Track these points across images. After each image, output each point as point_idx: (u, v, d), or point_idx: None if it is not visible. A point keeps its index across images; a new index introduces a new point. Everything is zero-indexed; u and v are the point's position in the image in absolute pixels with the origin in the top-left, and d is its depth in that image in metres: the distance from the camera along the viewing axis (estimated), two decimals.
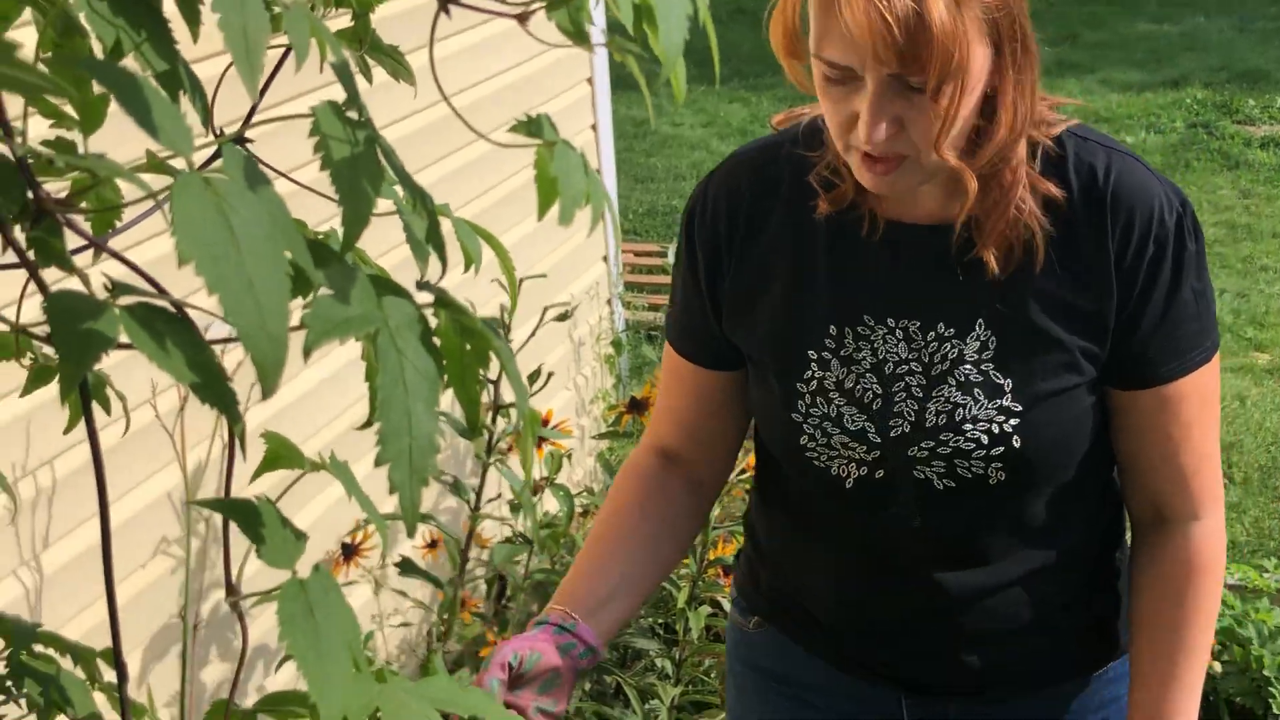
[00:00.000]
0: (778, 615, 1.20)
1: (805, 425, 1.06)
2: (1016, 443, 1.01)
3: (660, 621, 2.22)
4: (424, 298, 0.52)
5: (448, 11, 0.46)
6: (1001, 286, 1.01)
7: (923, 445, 1.04)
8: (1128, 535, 1.13)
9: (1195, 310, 1.01)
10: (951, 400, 1.02)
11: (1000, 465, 1.02)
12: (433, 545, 2.19)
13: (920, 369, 1.04)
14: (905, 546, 1.09)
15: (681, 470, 1.17)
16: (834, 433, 1.05)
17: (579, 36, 0.46)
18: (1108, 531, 1.15)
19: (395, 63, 0.60)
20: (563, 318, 2.19)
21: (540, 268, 2.28)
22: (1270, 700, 2.03)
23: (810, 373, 1.05)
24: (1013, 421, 1.02)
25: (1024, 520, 1.08)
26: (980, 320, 1.02)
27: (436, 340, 0.49)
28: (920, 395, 1.04)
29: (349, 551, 2.00)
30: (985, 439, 1.02)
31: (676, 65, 0.45)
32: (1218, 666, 2.09)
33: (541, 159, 0.49)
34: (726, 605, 1.93)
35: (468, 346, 0.52)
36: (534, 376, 2.17)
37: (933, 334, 1.03)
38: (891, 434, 1.04)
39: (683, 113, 7.55)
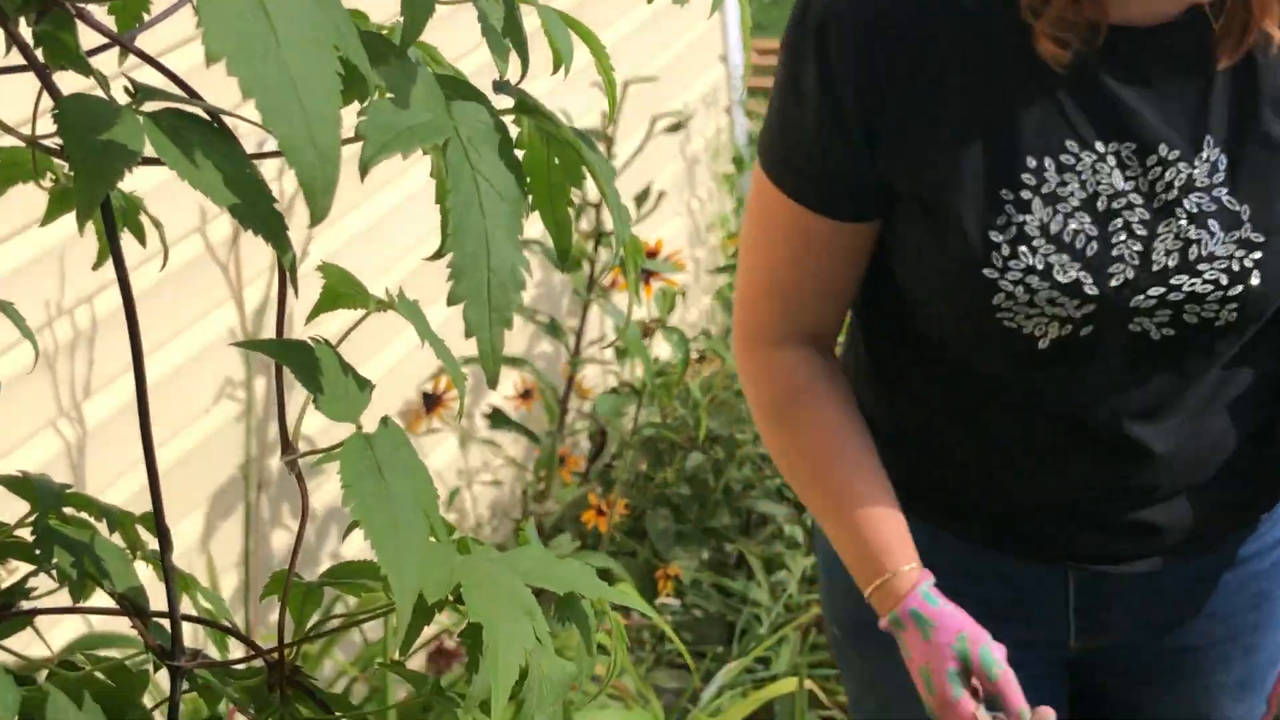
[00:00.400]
0: (914, 502, 1.21)
1: (1002, 282, 1.03)
2: (1255, 279, 1.03)
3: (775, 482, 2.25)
4: (504, 102, 0.50)
5: None
6: (1229, 94, 1.01)
7: (1150, 293, 1.04)
8: None
9: None
10: (1183, 236, 1.03)
11: (1235, 307, 1.04)
12: (526, 395, 2.24)
13: (1142, 201, 1.03)
14: (1098, 409, 1.10)
15: (828, 344, 1.17)
16: (1040, 288, 1.03)
17: None
18: None
19: None
20: (675, 128, 2.15)
21: (648, 70, 2.23)
22: None
23: (1006, 218, 1.03)
24: (1255, 255, 1.03)
25: (1234, 358, 1.10)
26: (1209, 138, 1.02)
27: (519, 153, 0.47)
28: (1144, 234, 1.04)
29: (431, 401, 2.06)
30: (1225, 278, 1.03)
31: None
32: None
33: None
34: None
35: (556, 161, 0.50)
36: (641, 198, 2.15)
37: (1154, 157, 1.03)
38: (1112, 283, 1.03)
39: None
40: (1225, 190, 1.04)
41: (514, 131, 0.49)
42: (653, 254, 2.19)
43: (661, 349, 2.38)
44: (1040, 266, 1.03)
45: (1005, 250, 1.03)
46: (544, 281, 2.35)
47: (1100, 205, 1.03)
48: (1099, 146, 1.03)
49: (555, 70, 0.59)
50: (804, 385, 1.16)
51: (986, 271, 1.04)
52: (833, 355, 1.19)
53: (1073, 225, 1.03)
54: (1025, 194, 1.03)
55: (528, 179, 0.46)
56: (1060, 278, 1.04)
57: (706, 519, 2.18)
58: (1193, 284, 1.04)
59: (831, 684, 2.02)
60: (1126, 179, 1.04)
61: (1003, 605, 1.19)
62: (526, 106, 0.49)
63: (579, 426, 2.35)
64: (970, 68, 1.03)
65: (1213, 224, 1.04)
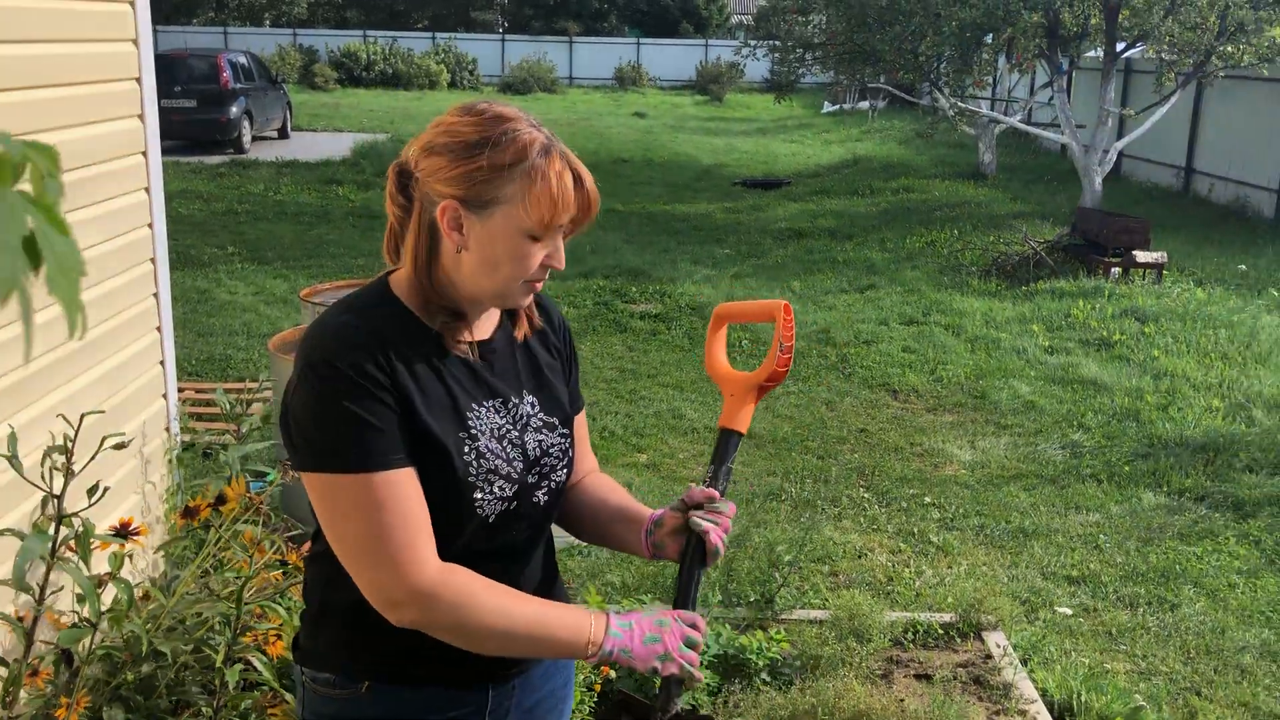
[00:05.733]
0: (388, 671, 1.53)
1: (478, 483, 1.48)
2: (571, 453, 1.64)
3: (198, 680, 3.09)
4: None
5: None
6: (525, 364, 1.61)
7: (533, 472, 1.56)
8: None
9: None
10: (538, 439, 1.57)
11: (565, 470, 1.63)
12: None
13: (513, 426, 1.55)
14: (517, 550, 1.58)
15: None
16: (494, 481, 1.50)
17: None
18: None
19: None
20: (119, 447, 3.06)
21: (106, 405, 3.16)
22: None
23: (468, 447, 1.48)
24: (568, 442, 1.63)
25: (554, 513, 1.68)
26: (525, 389, 1.60)
27: None
28: (519, 443, 1.55)
29: None
30: (559, 453, 1.60)
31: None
32: None
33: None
34: (258, 663, 2.87)
35: None
36: (92, 491, 3.02)
37: (511, 403, 1.57)
38: (518, 471, 1.53)
39: (238, 284, 9.32)
40: (542, 413, 1.60)
41: None
42: (124, 525, 3.04)
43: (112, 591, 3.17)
44: (492, 469, 1.50)
45: (474, 464, 1.49)
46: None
47: (499, 433, 1.53)
48: (486, 403, 1.53)
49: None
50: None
51: (469, 478, 1.48)
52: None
53: (493, 445, 1.51)
54: (473, 432, 1.49)
55: None
56: (502, 473, 1.51)
57: (150, 707, 2.96)
58: (549, 462, 1.58)
59: None
60: (502, 418, 1.54)
61: None
62: None
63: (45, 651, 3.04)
64: (422, 365, 1.47)
65: (545, 430, 1.58)
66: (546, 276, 1.52)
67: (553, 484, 1.60)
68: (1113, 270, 10.45)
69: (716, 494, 1.62)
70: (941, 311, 9.50)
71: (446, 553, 1.47)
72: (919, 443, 6.61)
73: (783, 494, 5.72)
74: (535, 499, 1.58)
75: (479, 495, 1.48)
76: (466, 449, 1.48)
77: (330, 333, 1.45)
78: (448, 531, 1.47)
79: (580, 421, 1.74)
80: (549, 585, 1.69)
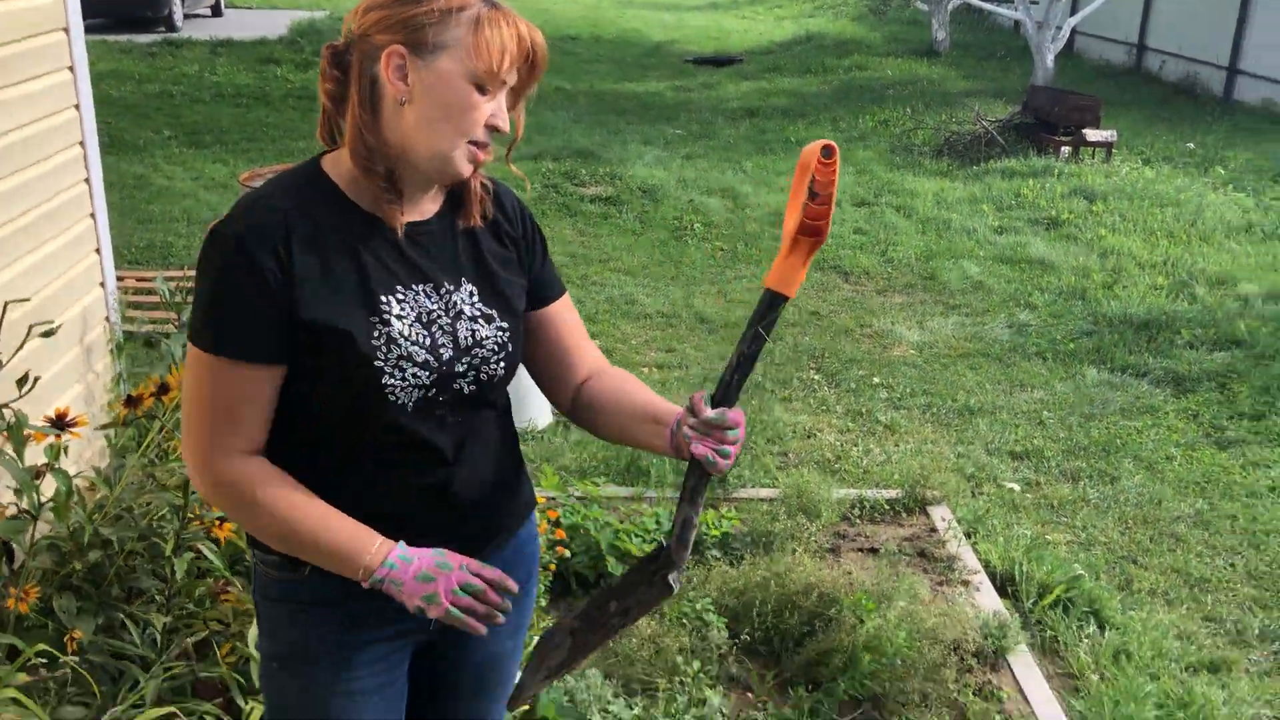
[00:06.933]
0: None
1: (386, 368, 1.44)
2: (510, 348, 1.56)
3: (149, 568, 3.09)
4: None
5: None
6: (467, 251, 1.55)
7: (462, 361, 1.51)
8: None
9: None
10: (470, 329, 1.52)
11: (502, 364, 1.56)
12: None
13: (445, 313, 1.50)
14: (437, 441, 1.52)
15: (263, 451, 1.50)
16: (407, 368, 1.45)
17: None
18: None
19: None
20: (47, 334, 2.99)
21: (41, 294, 3.08)
22: None
23: (379, 332, 1.44)
24: (506, 335, 1.55)
25: (499, 413, 1.62)
26: (463, 277, 1.54)
27: None
28: (451, 331, 1.50)
29: None
30: (496, 347, 1.54)
31: None
32: None
33: None
34: (207, 551, 2.86)
35: None
36: (22, 381, 2.96)
37: (444, 289, 1.52)
38: (443, 358, 1.48)
39: (176, 169, 9.03)
40: (481, 303, 1.54)
41: None
42: (60, 415, 2.99)
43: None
44: (405, 355, 1.46)
45: (383, 350, 1.45)
46: None
47: (425, 319, 1.49)
48: (415, 286, 1.49)
49: None
50: (260, 475, 1.47)
51: (376, 363, 1.44)
52: (265, 459, 1.49)
53: (414, 331, 1.46)
54: (385, 316, 1.45)
55: None
56: (417, 360, 1.46)
57: (102, 596, 2.95)
58: (481, 354, 1.53)
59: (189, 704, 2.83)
60: (433, 303, 1.50)
61: (394, 610, 1.52)
62: None
63: None
64: (338, 246, 1.44)
65: (482, 321, 1.53)
66: (490, 144, 1.48)
67: (485, 376, 1.55)
68: (1063, 149, 10.46)
69: (709, 412, 1.48)
70: (893, 192, 9.49)
71: (362, 440, 1.48)
72: (869, 324, 6.66)
73: None
74: (459, 387, 1.53)
75: (388, 380, 1.45)
76: (376, 333, 1.45)
77: (241, 206, 1.45)
78: (361, 416, 1.47)
79: (566, 310, 1.69)
80: (507, 489, 1.65)
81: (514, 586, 1.50)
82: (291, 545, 1.48)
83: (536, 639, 1.74)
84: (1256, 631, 3.69)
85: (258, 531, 1.50)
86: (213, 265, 1.41)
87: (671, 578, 1.54)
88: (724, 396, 1.50)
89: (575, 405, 1.68)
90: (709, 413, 1.47)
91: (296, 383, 1.47)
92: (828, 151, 1.42)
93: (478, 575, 1.48)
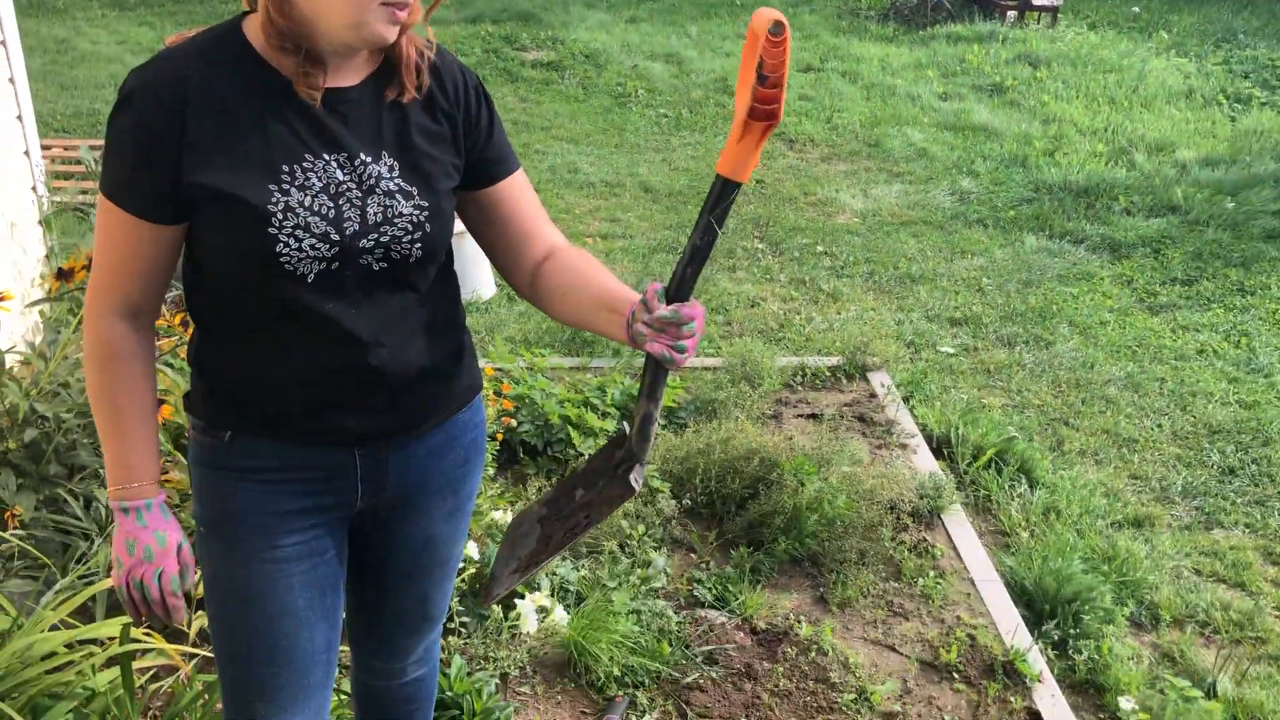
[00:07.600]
0: (246, 423, 1.54)
1: (281, 236, 1.38)
2: (429, 228, 1.49)
3: (89, 441, 3.07)
4: None
5: None
6: (392, 124, 1.47)
7: (369, 238, 1.45)
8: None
9: None
10: (383, 205, 1.46)
11: (420, 246, 1.49)
12: None
13: (356, 186, 1.45)
14: (345, 324, 1.46)
15: (144, 320, 1.50)
16: (304, 239, 1.40)
17: None
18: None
19: None
20: None
21: None
22: None
23: (277, 199, 1.39)
24: (425, 214, 1.48)
25: (427, 293, 1.55)
26: (384, 150, 1.48)
27: None
28: (360, 205, 1.44)
29: None
30: (411, 227, 1.47)
31: None
32: None
33: None
34: None
35: None
36: None
37: (359, 161, 1.45)
38: (347, 233, 1.43)
39: (99, 33, 8.64)
40: (400, 179, 1.47)
41: None
42: None
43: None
44: (302, 225, 1.40)
45: (279, 218, 1.39)
46: None
47: (332, 190, 1.43)
48: (326, 156, 1.43)
49: None
50: (111, 341, 1.48)
51: (270, 230, 1.39)
52: (143, 322, 1.49)
53: (318, 201, 1.41)
54: (285, 186, 1.41)
55: None
56: (315, 231, 1.41)
57: (42, 472, 2.94)
58: (393, 231, 1.46)
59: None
60: (344, 174, 1.44)
61: (315, 483, 1.57)
62: None
63: None
64: (244, 112, 1.40)
65: (399, 197, 1.47)
66: (411, 3, 1.40)
67: (396, 254, 1.49)
68: (1009, 13, 10.35)
69: (663, 309, 1.43)
70: (839, 58, 9.38)
71: (270, 312, 1.46)
72: (813, 192, 6.65)
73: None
74: (366, 263, 1.47)
75: (281, 249, 1.40)
76: (274, 200, 1.40)
77: (150, 63, 1.43)
78: (261, 288, 1.44)
79: (518, 188, 1.63)
80: (439, 375, 1.62)
81: (177, 624, 1.59)
82: (104, 424, 1.51)
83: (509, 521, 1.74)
84: (1179, 488, 3.83)
85: (89, 393, 1.52)
86: (112, 117, 1.43)
87: (633, 476, 1.53)
88: (678, 290, 1.45)
89: (532, 288, 1.64)
90: (663, 310, 1.43)
91: (199, 249, 1.47)
92: (777, 29, 1.31)
93: (160, 589, 1.55)
